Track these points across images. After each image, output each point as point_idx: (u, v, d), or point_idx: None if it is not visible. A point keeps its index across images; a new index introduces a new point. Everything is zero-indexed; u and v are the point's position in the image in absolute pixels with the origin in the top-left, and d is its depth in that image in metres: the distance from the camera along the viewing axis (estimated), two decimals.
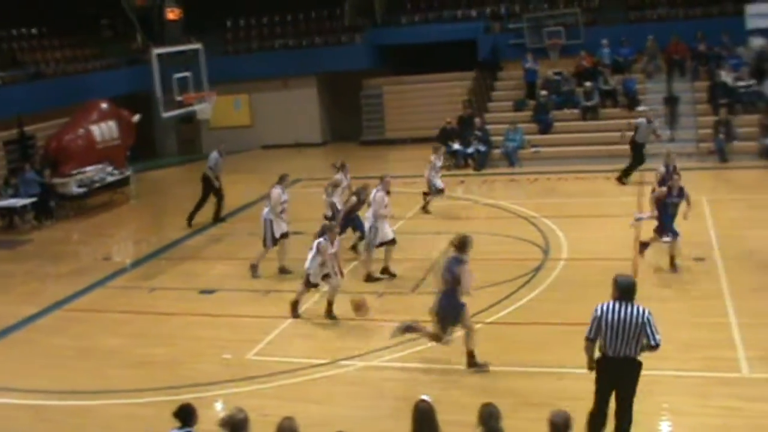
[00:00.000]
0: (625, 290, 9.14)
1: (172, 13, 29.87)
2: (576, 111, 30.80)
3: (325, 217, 19.47)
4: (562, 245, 18.64)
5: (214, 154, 23.16)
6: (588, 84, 30.95)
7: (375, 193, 17.16)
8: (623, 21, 33.82)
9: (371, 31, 36.33)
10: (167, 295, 17.51)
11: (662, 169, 18.34)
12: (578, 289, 15.61)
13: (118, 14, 34.11)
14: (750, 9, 30.56)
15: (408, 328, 12.81)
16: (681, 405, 10.99)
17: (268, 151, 35.64)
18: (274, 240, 17.80)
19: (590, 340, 9.29)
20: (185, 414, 8.20)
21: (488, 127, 30.02)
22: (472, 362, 12.33)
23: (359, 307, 14.37)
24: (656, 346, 8.99)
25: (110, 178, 27.65)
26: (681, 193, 16.20)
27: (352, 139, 35.40)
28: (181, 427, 8.14)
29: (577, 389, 11.29)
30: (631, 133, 25.30)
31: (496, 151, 29.24)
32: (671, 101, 29.91)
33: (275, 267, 18.03)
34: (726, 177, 25.29)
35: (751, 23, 30.76)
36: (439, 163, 23.28)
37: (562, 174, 26.27)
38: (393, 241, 17.15)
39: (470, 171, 28.35)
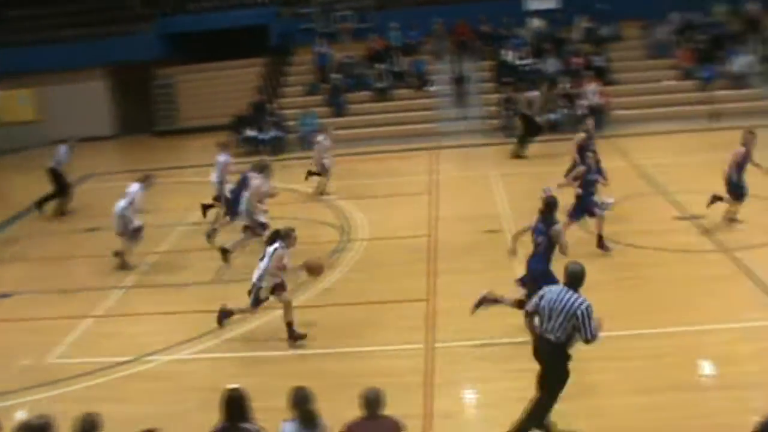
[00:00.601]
0: (570, 277, 9.28)
1: None
2: (368, 93, 31.33)
3: (215, 199, 19.21)
4: (363, 226, 18.96)
5: (63, 148, 22.31)
6: (379, 66, 31.55)
7: (253, 181, 16.75)
8: (411, 4, 34.63)
9: (160, 19, 35.61)
10: None
11: (582, 135, 18.42)
12: (381, 268, 15.98)
13: None
14: None
15: (485, 300, 12.17)
16: (485, 372, 11.46)
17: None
18: (135, 232, 17.13)
19: (528, 313, 9.55)
20: None
21: (283, 112, 30.13)
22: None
23: (315, 269, 13.17)
24: (589, 341, 9.09)
25: None
26: (599, 169, 16.31)
27: (145, 130, 34.62)
28: None
29: (386, 367, 11.61)
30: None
31: (292, 136, 29.35)
32: (459, 81, 30.90)
33: (74, 264, 17.50)
34: None
35: (529, 5, 32.38)
36: (328, 143, 22.80)
37: (358, 155, 26.67)
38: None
39: (266, 157, 28.28)
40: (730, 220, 16.81)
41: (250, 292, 12.74)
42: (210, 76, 34.58)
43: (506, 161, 24.86)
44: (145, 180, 17.45)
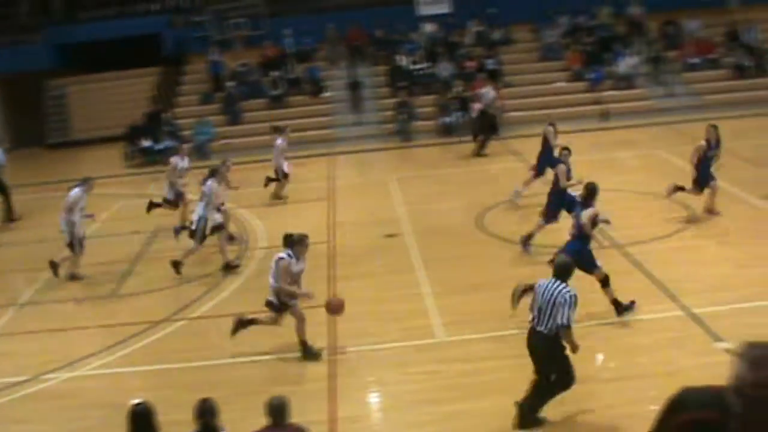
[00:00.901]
0: (557, 269, 9.57)
1: None
2: (264, 100, 31.24)
3: (166, 200, 19.13)
4: (261, 234, 18.90)
5: None
6: (274, 73, 31.49)
7: (208, 183, 16.41)
8: (305, 11, 34.59)
9: (50, 29, 34.80)
10: None
11: (551, 128, 18.94)
12: None
13: None
14: None
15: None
16: (385, 376, 11.56)
17: None
18: (81, 242, 16.71)
19: (531, 311, 9.73)
20: None
21: (178, 121, 29.82)
22: (618, 308, 12.48)
23: (336, 308, 12.22)
24: (562, 326, 9.25)
25: None
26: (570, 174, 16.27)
27: (37, 143, 33.78)
28: None
29: (290, 374, 11.62)
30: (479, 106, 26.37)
31: (187, 146, 29.01)
32: (354, 86, 31.05)
33: None
34: (410, 155, 26.62)
35: (422, 10, 32.77)
36: (285, 145, 22.11)
37: (254, 163, 26.53)
38: (221, 227, 16.55)
39: (162, 167, 27.90)
40: (709, 211, 17.15)
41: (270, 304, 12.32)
42: (103, 86, 33.95)
43: (404, 165, 25.10)
44: (85, 183, 17.08)
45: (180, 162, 19.70)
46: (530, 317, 9.63)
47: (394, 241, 17.29)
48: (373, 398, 11.26)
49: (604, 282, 12.49)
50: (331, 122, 30.01)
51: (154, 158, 28.46)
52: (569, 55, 31.75)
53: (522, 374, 10.69)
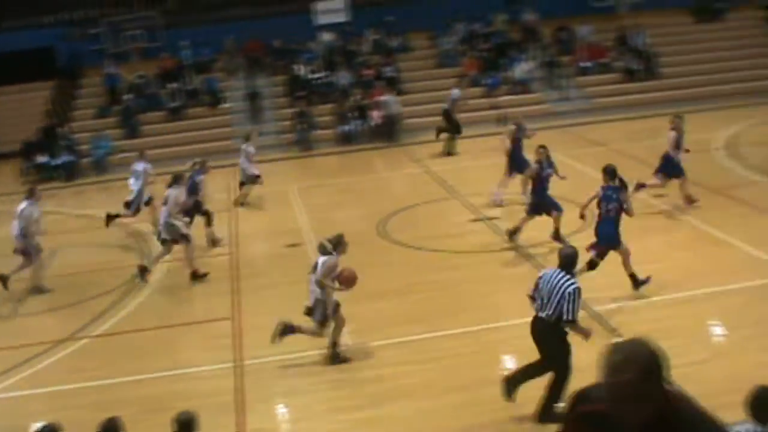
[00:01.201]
0: (563, 260, 9.73)
1: None
2: (162, 113, 30.93)
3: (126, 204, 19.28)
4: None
5: None
6: (171, 85, 31.22)
7: (170, 191, 16.12)
8: (202, 22, 34.33)
9: None
10: None
11: (513, 127, 19.16)
12: (184, 290, 15.86)
13: None
14: (317, 6, 32.73)
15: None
16: (292, 386, 11.59)
17: None
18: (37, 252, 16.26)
19: (530, 297, 9.89)
20: None
21: (75, 135, 29.29)
22: (636, 282, 13.37)
23: (349, 280, 11.91)
24: (568, 321, 9.44)
25: None
26: (551, 164, 16.36)
27: None
28: None
29: (197, 389, 11.54)
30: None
31: (85, 160, 28.60)
32: (253, 97, 30.99)
33: None
34: (310, 165, 26.69)
35: (319, 19, 32.93)
36: (253, 150, 21.74)
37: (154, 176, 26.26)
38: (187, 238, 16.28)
39: (60, 183, 27.44)
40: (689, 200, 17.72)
41: (311, 311, 11.91)
42: None
43: (304, 174, 25.14)
44: (32, 194, 16.55)
45: (149, 167, 19.57)
46: (534, 305, 9.82)
47: (297, 251, 17.30)
48: (282, 409, 11.28)
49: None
50: (230, 133, 29.79)
51: (51, 174, 27.92)
52: (466, 61, 32.25)
53: (435, 377, 10.91)
